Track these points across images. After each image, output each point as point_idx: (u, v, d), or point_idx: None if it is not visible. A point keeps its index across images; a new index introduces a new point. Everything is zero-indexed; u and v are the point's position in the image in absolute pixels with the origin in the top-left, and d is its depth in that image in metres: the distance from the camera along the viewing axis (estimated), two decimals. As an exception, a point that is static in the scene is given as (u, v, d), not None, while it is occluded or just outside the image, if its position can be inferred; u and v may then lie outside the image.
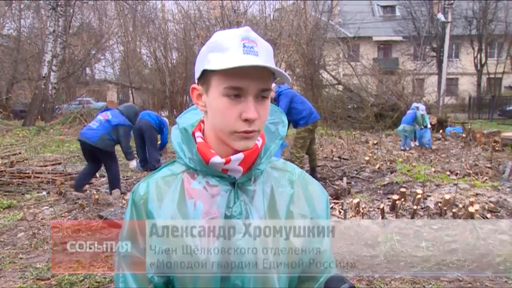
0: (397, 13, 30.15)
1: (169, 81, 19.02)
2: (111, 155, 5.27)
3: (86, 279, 3.00)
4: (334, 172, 7.02)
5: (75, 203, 4.84)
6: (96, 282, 2.97)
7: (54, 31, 14.85)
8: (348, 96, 16.38)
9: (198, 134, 0.92)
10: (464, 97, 26.95)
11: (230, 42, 0.81)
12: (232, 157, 0.87)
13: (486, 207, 4.49)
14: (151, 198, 0.91)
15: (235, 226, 0.87)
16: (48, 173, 6.20)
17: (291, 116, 5.98)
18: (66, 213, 4.55)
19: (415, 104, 10.59)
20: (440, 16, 19.54)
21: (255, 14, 19.28)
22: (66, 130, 13.49)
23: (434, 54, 26.54)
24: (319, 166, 7.14)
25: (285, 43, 16.00)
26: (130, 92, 24.49)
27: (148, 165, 7.23)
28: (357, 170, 7.03)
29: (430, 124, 10.86)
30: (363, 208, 4.63)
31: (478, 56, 26.76)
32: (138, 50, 23.92)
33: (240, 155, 0.86)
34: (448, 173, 6.34)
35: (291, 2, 19.29)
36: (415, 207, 4.49)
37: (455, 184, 5.07)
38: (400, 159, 7.61)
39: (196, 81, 0.89)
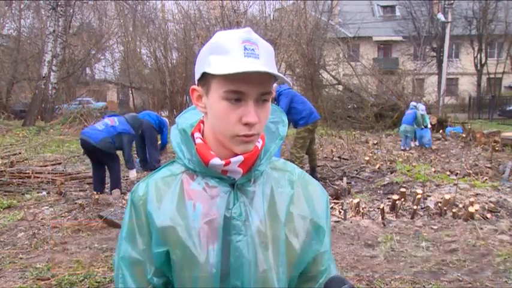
0: (397, 13, 30.15)
1: (169, 81, 19.02)
2: (112, 156, 5.27)
3: (86, 279, 3.00)
4: (334, 172, 7.02)
5: (75, 203, 4.84)
6: (96, 282, 2.97)
7: (54, 31, 14.85)
8: (348, 96, 16.38)
9: (197, 135, 0.91)
10: (464, 97, 26.96)
11: (231, 44, 0.80)
12: (232, 159, 0.86)
13: (486, 207, 4.49)
14: (151, 199, 0.90)
15: (234, 227, 0.87)
16: (48, 173, 6.20)
17: (291, 116, 5.98)
18: (66, 213, 4.55)
19: (413, 103, 10.59)
20: (440, 16, 19.54)
21: (255, 14, 19.28)
22: (66, 130, 13.49)
23: (434, 54, 26.55)
24: (319, 166, 7.14)
25: (285, 43, 15.99)
26: (130, 92, 24.52)
27: (149, 165, 7.24)
28: (357, 170, 7.03)
29: (430, 124, 10.86)
30: (363, 208, 4.64)
31: (478, 56, 26.76)
32: (138, 50, 23.93)
33: (240, 157, 0.86)
34: (448, 173, 6.34)
35: (291, 2, 19.30)
36: (415, 207, 4.49)
37: (455, 184, 5.07)
38: (400, 159, 7.61)
39: (196, 82, 0.88)
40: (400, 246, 3.72)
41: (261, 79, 0.81)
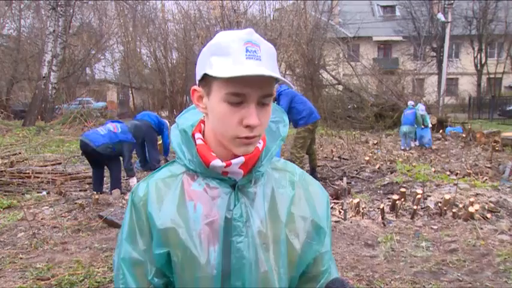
0: (397, 13, 30.15)
1: (169, 81, 19.04)
2: (111, 158, 5.27)
3: (86, 279, 3.00)
4: (334, 172, 7.02)
5: (75, 203, 4.84)
6: (96, 282, 2.97)
7: (54, 31, 14.85)
8: (348, 96, 16.38)
9: (198, 135, 0.91)
10: (464, 97, 26.95)
11: (233, 45, 0.79)
12: (233, 161, 0.86)
13: (486, 207, 4.49)
14: (151, 200, 0.90)
15: (235, 229, 0.87)
16: (48, 173, 6.20)
17: (291, 116, 5.99)
18: (66, 213, 4.55)
19: (411, 102, 10.59)
20: (440, 16, 19.54)
21: (255, 14, 19.28)
22: (66, 130, 13.49)
23: (434, 54, 26.55)
24: (319, 166, 7.14)
25: (285, 43, 15.99)
26: (130, 92, 24.52)
27: (148, 165, 7.24)
28: (357, 170, 7.03)
29: (431, 124, 10.86)
30: (363, 208, 4.63)
31: (478, 56, 26.76)
32: (138, 50, 23.94)
33: (241, 159, 0.86)
34: (448, 173, 6.34)
35: (291, 2, 19.29)
36: (415, 207, 4.49)
37: (455, 184, 5.07)
38: (400, 159, 7.61)
39: (197, 82, 0.88)
40: (400, 246, 3.72)
41: (263, 81, 0.80)
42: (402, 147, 9.82)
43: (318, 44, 17.71)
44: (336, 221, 4.36)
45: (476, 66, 27.06)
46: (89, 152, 5.13)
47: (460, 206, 4.51)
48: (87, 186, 5.89)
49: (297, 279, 0.95)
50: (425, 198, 4.83)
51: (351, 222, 4.38)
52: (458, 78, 29.72)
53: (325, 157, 8.50)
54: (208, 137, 0.90)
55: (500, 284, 2.99)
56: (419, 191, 4.79)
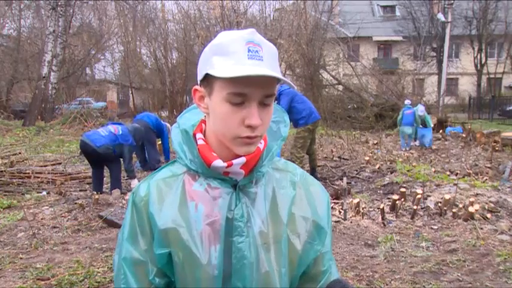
0: (397, 13, 30.15)
1: (169, 81, 19.04)
2: (112, 158, 5.27)
3: (86, 279, 3.00)
4: (334, 172, 7.02)
5: (75, 203, 4.84)
6: (96, 282, 2.97)
7: (54, 31, 14.85)
8: (348, 96, 16.38)
9: (199, 135, 0.91)
10: (464, 97, 26.96)
11: (234, 45, 0.79)
12: (235, 161, 0.86)
13: (486, 207, 4.49)
14: (152, 200, 0.90)
15: (237, 229, 0.87)
16: (48, 173, 6.20)
17: (291, 115, 5.98)
18: (66, 213, 4.55)
19: (408, 101, 10.58)
20: (440, 16, 19.55)
21: (255, 14, 19.31)
22: (66, 130, 13.50)
23: (434, 54, 26.55)
24: (319, 166, 7.14)
25: (285, 43, 15.99)
26: (130, 92, 24.51)
27: (148, 165, 7.24)
28: (357, 170, 7.03)
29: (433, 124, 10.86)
30: (363, 208, 4.63)
31: (478, 56, 26.77)
32: (138, 50, 23.94)
33: (242, 159, 0.86)
34: (448, 173, 6.34)
35: (291, 2, 19.29)
36: (415, 207, 4.49)
37: (455, 184, 5.07)
38: (400, 159, 7.61)
39: (198, 82, 0.88)
40: (400, 246, 3.72)
41: (265, 82, 0.80)
42: (402, 148, 9.81)
43: (318, 44, 17.70)
44: (336, 221, 4.36)
45: (476, 66, 27.06)
46: (89, 152, 5.13)
47: (460, 206, 4.51)
48: (87, 186, 5.89)
49: (297, 279, 0.95)
50: (425, 198, 4.83)
51: (351, 222, 4.38)
52: (458, 78, 29.72)
53: (325, 157, 8.50)
54: (210, 137, 0.90)
55: (500, 284, 2.99)
56: (419, 191, 4.79)
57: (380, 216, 4.42)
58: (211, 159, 0.87)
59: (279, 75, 0.80)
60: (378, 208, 4.61)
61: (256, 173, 0.90)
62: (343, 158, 8.30)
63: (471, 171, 6.56)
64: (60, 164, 7.41)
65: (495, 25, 25.57)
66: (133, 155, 8.12)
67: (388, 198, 5.05)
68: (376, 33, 29.47)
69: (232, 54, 0.79)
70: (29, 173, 6.11)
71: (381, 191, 5.55)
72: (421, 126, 10.04)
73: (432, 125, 10.48)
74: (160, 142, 8.29)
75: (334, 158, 8.31)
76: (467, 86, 28.86)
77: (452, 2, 19.26)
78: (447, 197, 4.53)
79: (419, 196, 4.59)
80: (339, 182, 6.11)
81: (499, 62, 27.23)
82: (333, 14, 22.96)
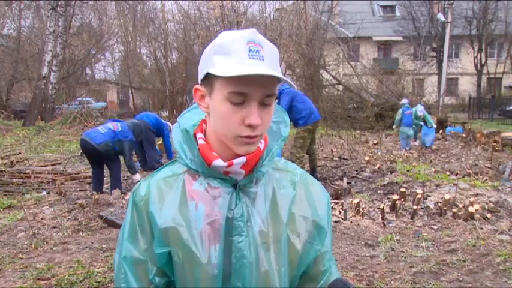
0: (397, 13, 30.15)
1: (169, 81, 19.06)
2: (112, 157, 5.28)
3: (86, 279, 3.00)
4: (334, 172, 7.02)
5: (75, 203, 4.84)
6: (96, 282, 2.97)
7: (54, 31, 14.85)
8: (348, 96, 16.38)
9: (199, 135, 0.91)
10: (464, 97, 26.96)
11: (235, 45, 0.80)
12: (235, 160, 0.86)
13: (486, 207, 4.49)
14: (153, 199, 0.90)
15: (236, 228, 0.87)
16: (48, 173, 6.20)
17: (291, 115, 5.98)
18: (66, 213, 4.55)
19: (405, 101, 10.56)
20: (440, 16, 19.55)
21: (255, 14, 19.31)
22: (66, 130, 13.50)
23: (434, 54, 26.55)
24: (319, 166, 7.14)
25: (285, 43, 15.99)
26: (130, 92, 24.52)
27: (148, 165, 7.23)
28: (357, 170, 7.03)
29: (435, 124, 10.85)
30: (363, 208, 4.63)
31: (478, 56, 26.77)
32: (138, 50, 23.95)
33: (243, 159, 0.86)
34: (448, 173, 6.34)
35: (291, 2, 19.30)
36: (415, 207, 4.49)
37: (455, 184, 5.07)
38: (400, 159, 7.61)
39: (199, 82, 0.88)
40: (400, 246, 3.72)
41: (265, 81, 0.80)
42: (402, 148, 9.81)
43: (318, 44, 17.71)
44: (336, 221, 4.36)
45: (476, 66, 27.06)
46: (89, 151, 5.13)
47: (460, 206, 4.51)
48: (87, 186, 5.89)
49: (297, 279, 0.95)
50: (425, 198, 4.83)
51: (351, 222, 4.38)
52: (458, 78, 29.72)
53: (325, 157, 8.50)
54: (210, 137, 0.90)
55: (500, 284, 2.99)
56: (419, 191, 4.79)
57: (380, 216, 4.42)
58: (211, 158, 0.87)
59: (279, 74, 0.80)
60: (378, 208, 4.61)
61: (257, 173, 0.90)
62: (343, 158, 8.30)
63: (471, 171, 6.56)
64: (60, 164, 7.41)
65: (495, 25, 25.58)
66: (134, 155, 8.15)
67: (388, 198, 5.05)
68: (376, 33, 29.47)
69: (233, 54, 0.80)
70: (29, 173, 6.11)
71: (381, 191, 5.55)
72: (422, 123, 10.03)
73: (435, 126, 10.46)
74: (160, 142, 8.29)
75: (334, 158, 8.31)
76: (467, 86, 28.86)
77: (452, 2, 19.26)
78: (447, 197, 4.53)
79: (419, 196, 4.59)
80: (339, 182, 6.11)
81: (499, 62, 27.23)
82: (333, 14, 22.95)
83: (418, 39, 25.88)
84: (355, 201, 4.63)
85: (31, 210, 4.62)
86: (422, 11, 26.39)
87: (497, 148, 9.04)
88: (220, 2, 16.08)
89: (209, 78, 0.83)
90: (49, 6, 15.17)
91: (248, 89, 0.80)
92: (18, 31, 21.23)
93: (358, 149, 9.38)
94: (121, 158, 5.53)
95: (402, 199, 4.66)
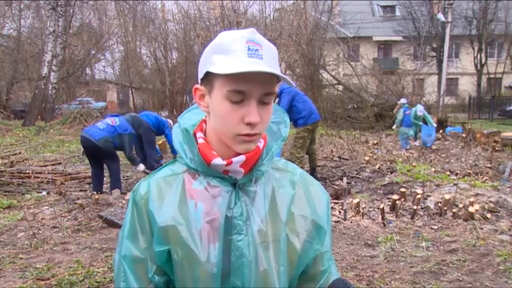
0: (397, 13, 30.16)
1: (169, 81, 19.06)
2: (112, 155, 5.27)
3: (86, 279, 3.00)
4: (334, 172, 7.02)
5: (75, 203, 4.84)
6: (96, 282, 2.97)
7: (54, 31, 14.85)
8: (348, 96, 16.38)
9: (199, 134, 0.92)
10: (464, 97, 26.97)
11: (235, 44, 0.80)
12: (234, 159, 0.87)
13: (486, 207, 4.49)
14: (152, 198, 0.91)
15: (236, 227, 0.87)
16: (48, 173, 6.20)
17: (291, 114, 5.98)
18: (66, 213, 4.55)
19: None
20: (440, 16, 19.55)
21: (255, 14, 19.32)
22: (66, 130, 13.51)
23: (434, 54, 26.56)
24: (319, 166, 7.14)
25: (285, 43, 16.00)
26: (130, 92, 24.53)
27: (147, 164, 7.23)
28: (357, 170, 7.03)
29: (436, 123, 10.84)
30: (363, 208, 4.63)
31: (478, 56, 26.77)
32: (138, 50, 23.95)
33: (242, 157, 0.86)
34: (448, 173, 6.34)
35: (291, 2, 19.30)
36: (415, 207, 4.49)
37: (455, 184, 5.07)
38: (400, 159, 7.61)
39: (199, 81, 0.89)
40: (400, 246, 3.72)
41: (264, 79, 0.81)
42: (403, 148, 9.80)
43: (318, 44, 17.72)
44: (336, 221, 4.36)
45: (476, 66, 27.07)
46: (89, 147, 5.13)
47: (460, 206, 4.51)
48: (87, 186, 5.89)
49: (296, 278, 0.95)
50: (425, 198, 4.83)
51: (351, 222, 4.38)
52: (458, 78, 29.73)
53: (325, 157, 8.50)
54: (210, 136, 0.91)
55: (500, 284, 2.99)
56: (419, 191, 4.79)
57: (380, 216, 4.42)
58: (210, 157, 0.88)
59: (277, 72, 0.80)
60: (378, 208, 4.61)
61: (256, 172, 0.90)
62: (343, 158, 8.30)
63: (471, 171, 6.56)
64: (60, 164, 7.41)
65: (495, 25, 25.58)
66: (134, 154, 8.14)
67: (388, 198, 5.05)
68: (376, 33, 29.48)
69: (232, 53, 0.80)
70: (29, 173, 6.11)
71: (381, 191, 5.55)
72: (421, 123, 10.03)
73: (435, 125, 10.46)
74: (160, 142, 8.29)
75: (334, 158, 8.31)
76: (467, 86, 28.87)
77: (452, 2, 19.27)
78: (447, 197, 4.53)
79: (419, 196, 4.59)
80: (339, 182, 6.11)
81: (499, 62, 27.24)
82: (333, 14, 22.97)
83: (418, 39, 25.89)
84: (355, 201, 4.63)
85: (31, 210, 4.62)
86: (422, 11, 26.40)
87: (497, 148, 9.03)
88: (220, 2, 16.09)
89: (209, 78, 0.84)
90: (49, 6, 15.17)
91: (247, 87, 0.80)
92: (18, 31, 21.23)
93: (358, 149, 9.38)
94: (121, 158, 5.53)
95: (402, 199, 4.66)
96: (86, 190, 5.69)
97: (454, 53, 28.38)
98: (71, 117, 14.67)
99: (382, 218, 4.39)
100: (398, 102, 10.74)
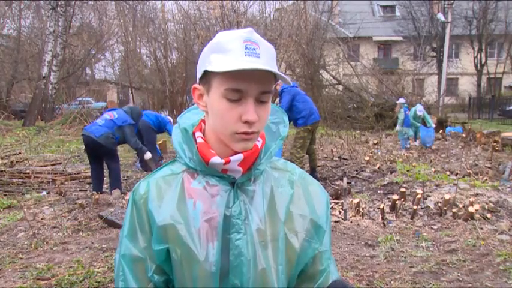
0: (397, 13, 30.17)
1: (169, 81, 19.04)
2: (112, 154, 5.27)
3: (86, 279, 3.00)
4: (334, 172, 7.02)
5: (75, 203, 4.84)
6: (96, 282, 2.97)
7: (54, 31, 14.85)
8: (348, 96, 16.38)
9: (198, 134, 0.92)
10: (464, 97, 26.97)
11: (232, 43, 0.81)
12: (232, 158, 0.87)
13: (486, 207, 4.49)
14: (152, 197, 0.91)
15: (234, 226, 0.88)
16: (48, 173, 6.20)
17: (291, 114, 5.99)
18: (66, 213, 4.55)
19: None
20: (440, 16, 19.56)
21: (255, 14, 19.33)
22: (66, 130, 13.51)
23: (434, 54, 26.56)
24: (319, 166, 7.14)
25: (285, 43, 16.00)
26: (130, 92, 24.51)
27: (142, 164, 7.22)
28: (357, 170, 7.03)
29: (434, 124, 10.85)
30: (363, 208, 4.63)
31: (478, 56, 26.78)
32: (138, 50, 23.93)
33: (240, 156, 0.87)
34: (448, 173, 6.33)
35: (291, 2, 19.31)
36: (415, 207, 4.49)
37: (455, 184, 5.07)
38: (400, 159, 7.61)
39: (198, 81, 0.89)
40: (400, 246, 3.72)
41: (261, 78, 0.81)
42: (403, 148, 9.79)
43: (318, 44, 17.72)
44: (336, 221, 4.37)
45: (476, 66, 27.07)
46: (90, 145, 5.12)
47: (460, 206, 4.51)
48: (87, 186, 5.89)
49: (295, 277, 0.95)
50: (425, 198, 4.83)
51: (351, 222, 4.38)
52: (458, 78, 29.73)
53: (325, 157, 8.50)
54: (209, 135, 0.91)
55: (500, 284, 2.99)
56: (419, 191, 4.79)
57: (380, 216, 4.42)
58: (209, 156, 0.88)
59: (274, 69, 0.81)
60: (378, 208, 4.61)
61: (254, 171, 0.91)
62: (343, 158, 8.30)
63: (471, 171, 6.56)
64: (60, 164, 7.41)
65: (495, 25, 25.59)
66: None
67: (388, 198, 5.05)
68: (376, 33, 29.49)
69: (229, 52, 0.81)
70: (29, 173, 6.11)
71: (381, 191, 5.55)
72: (419, 124, 10.04)
73: (434, 126, 10.46)
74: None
75: (334, 158, 8.31)
76: (467, 86, 28.87)
77: (452, 2, 19.27)
78: (447, 197, 4.53)
79: (419, 196, 4.59)
80: (339, 182, 6.11)
81: (499, 62, 27.25)
82: (333, 14, 22.97)
83: (418, 39, 25.89)
84: (355, 201, 4.63)
85: (31, 210, 4.62)
86: (422, 11, 26.40)
87: (497, 148, 9.03)
88: (220, 2, 16.09)
89: (207, 77, 0.85)
90: (49, 6, 15.17)
91: (244, 86, 0.81)
92: (18, 31, 21.22)
93: (358, 149, 9.38)
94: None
95: (402, 199, 4.66)
96: (86, 190, 5.69)
97: (454, 53, 28.39)
98: (71, 117, 14.67)
99: (382, 218, 4.39)
100: (397, 102, 10.73)
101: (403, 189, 4.87)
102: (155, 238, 0.89)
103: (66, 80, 20.03)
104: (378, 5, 32.26)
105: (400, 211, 4.55)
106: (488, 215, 4.31)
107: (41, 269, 3.17)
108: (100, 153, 5.20)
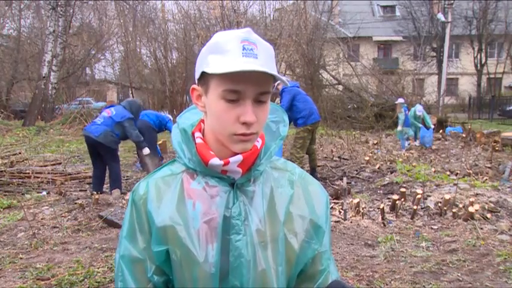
0: (397, 13, 30.17)
1: (169, 81, 19.04)
2: (112, 153, 5.27)
3: (86, 279, 3.00)
4: (334, 172, 7.02)
5: (75, 203, 4.84)
6: (96, 282, 2.97)
7: (54, 31, 14.85)
8: (348, 96, 16.37)
9: (197, 134, 0.92)
10: (464, 97, 26.96)
11: (230, 44, 0.81)
12: (231, 159, 0.87)
13: (486, 207, 4.49)
14: (151, 198, 0.91)
15: (234, 227, 0.87)
16: (48, 173, 6.20)
17: (291, 114, 5.99)
18: (66, 213, 4.55)
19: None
20: (440, 16, 19.55)
21: (255, 14, 19.33)
22: (66, 130, 13.51)
23: (434, 54, 26.56)
24: (319, 166, 7.14)
25: (285, 43, 15.99)
26: (130, 92, 24.49)
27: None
28: (357, 170, 7.03)
29: (433, 124, 10.85)
30: (363, 208, 4.63)
31: (478, 56, 26.77)
32: (138, 50, 23.91)
33: (239, 157, 0.86)
34: (448, 173, 6.33)
35: (291, 2, 19.30)
36: (415, 207, 4.49)
37: (455, 184, 5.07)
38: (400, 159, 7.61)
39: (196, 81, 0.89)
40: (400, 246, 3.72)
41: (259, 78, 0.81)
42: (403, 148, 9.79)
43: (318, 44, 17.71)
44: (336, 221, 4.36)
45: (476, 66, 27.06)
46: (91, 144, 5.13)
47: (460, 206, 4.51)
48: (87, 186, 5.89)
49: (295, 278, 0.95)
50: (425, 198, 4.83)
51: (351, 222, 4.38)
52: (458, 78, 29.73)
53: (325, 157, 8.50)
54: (208, 136, 0.91)
55: (500, 284, 2.99)
56: (419, 191, 4.79)
57: (380, 216, 4.42)
58: (208, 157, 0.88)
59: (272, 71, 0.80)
60: (378, 208, 4.61)
61: (254, 172, 0.90)
62: (343, 158, 8.30)
63: (471, 171, 6.56)
64: (60, 164, 7.41)
65: (495, 25, 25.59)
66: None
67: (388, 198, 5.05)
68: (376, 33, 29.48)
69: (227, 52, 0.80)
70: (29, 173, 6.11)
71: (381, 191, 5.55)
72: (420, 125, 10.04)
73: (433, 126, 10.46)
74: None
75: (334, 158, 8.31)
76: (467, 86, 28.87)
77: (452, 2, 19.27)
78: (447, 197, 4.53)
79: (419, 196, 4.59)
80: (339, 182, 6.11)
81: (499, 62, 27.24)
82: (333, 14, 22.97)
83: (418, 39, 25.89)
84: (355, 201, 4.63)
85: (31, 210, 4.62)
86: (422, 11, 26.40)
87: (497, 148, 9.03)
88: (220, 2, 16.09)
89: (205, 78, 0.84)
90: (49, 6, 15.16)
91: (242, 87, 0.80)
92: (18, 31, 21.22)
93: (358, 149, 9.37)
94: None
95: (402, 199, 4.66)
96: (86, 190, 5.69)
97: (454, 53, 28.38)
98: (71, 117, 14.67)
99: (382, 218, 4.39)
100: (397, 102, 10.73)
101: (403, 189, 4.87)
102: (154, 239, 0.89)
103: (66, 80, 20.04)
104: (378, 5, 32.25)
105: (400, 211, 4.55)
106: (488, 215, 4.31)
107: (41, 269, 3.17)
108: (101, 151, 5.20)
